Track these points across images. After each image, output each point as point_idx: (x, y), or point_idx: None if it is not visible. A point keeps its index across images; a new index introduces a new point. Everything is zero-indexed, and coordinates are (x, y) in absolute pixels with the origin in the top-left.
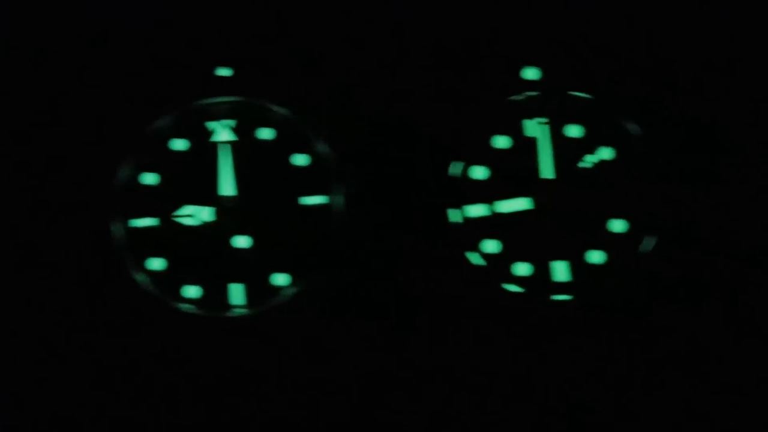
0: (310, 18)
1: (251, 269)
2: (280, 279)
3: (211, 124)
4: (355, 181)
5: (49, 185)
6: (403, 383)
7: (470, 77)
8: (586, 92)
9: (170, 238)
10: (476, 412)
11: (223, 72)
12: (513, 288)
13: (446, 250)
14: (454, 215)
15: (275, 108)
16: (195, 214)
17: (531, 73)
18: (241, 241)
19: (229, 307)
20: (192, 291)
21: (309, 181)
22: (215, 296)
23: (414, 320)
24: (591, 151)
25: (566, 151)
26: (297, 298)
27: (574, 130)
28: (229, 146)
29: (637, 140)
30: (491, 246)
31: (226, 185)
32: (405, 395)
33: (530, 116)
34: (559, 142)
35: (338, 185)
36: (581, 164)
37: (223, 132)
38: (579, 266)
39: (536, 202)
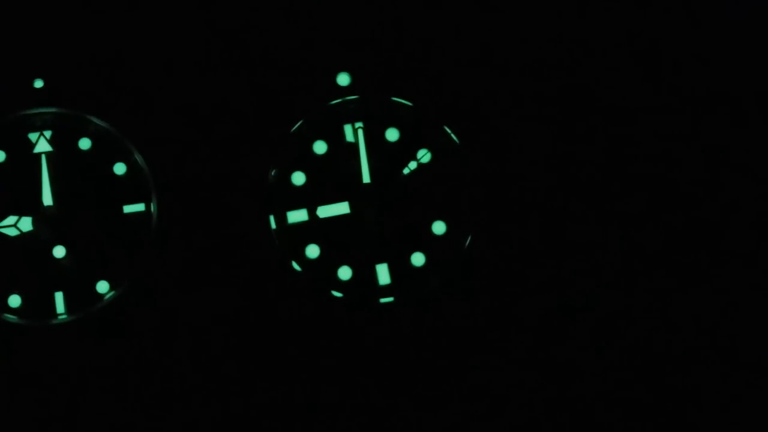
0: (133, 25)
1: (73, 277)
2: (102, 286)
3: (30, 135)
4: (172, 188)
5: None
6: (229, 387)
7: (288, 83)
8: (405, 98)
9: None
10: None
11: (39, 83)
12: (336, 293)
13: (270, 256)
14: (275, 221)
15: (91, 118)
16: (16, 225)
17: (344, 79)
18: (60, 251)
19: (53, 315)
20: (14, 300)
21: (127, 189)
22: (37, 305)
23: (235, 323)
24: (408, 156)
25: (384, 156)
26: (115, 303)
27: (391, 135)
28: (46, 156)
29: (454, 144)
30: (313, 251)
31: (46, 195)
32: (234, 398)
33: (348, 121)
34: (376, 146)
35: (155, 193)
36: (401, 169)
37: (41, 142)
38: (400, 269)
39: (354, 206)
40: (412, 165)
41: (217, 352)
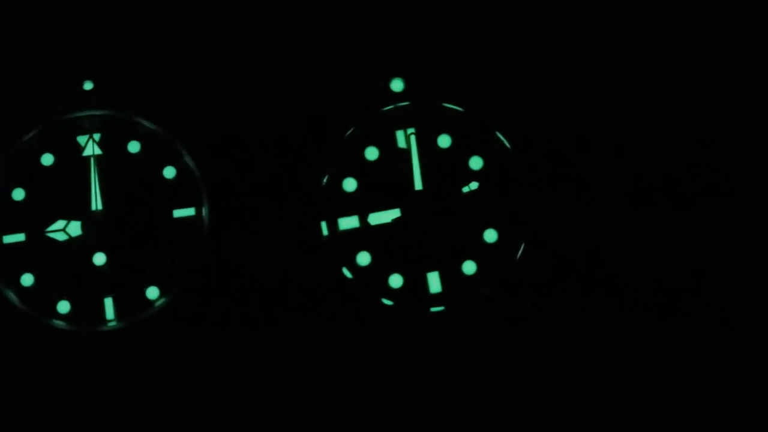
0: (182, 29)
1: (122, 283)
2: (152, 292)
3: (79, 138)
4: (223, 193)
5: None
6: (272, 390)
7: (341, 89)
8: (456, 104)
9: (38, 254)
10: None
11: (88, 85)
12: (387, 301)
13: (321, 263)
14: (326, 228)
15: (140, 121)
16: (65, 229)
17: (398, 85)
18: (101, 257)
19: (103, 321)
20: (63, 306)
21: (177, 193)
22: (87, 311)
23: (285, 331)
24: (460, 162)
25: (437, 162)
26: (166, 309)
27: (443, 141)
28: (95, 160)
29: (506, 151)
30: (364, 258)
31: (94, 199)
32: (277, 401)
33: (400, 127)
34: (428, 153)
35: (205, 197)
36: (454, 178)
37: (89, 146)
38: (451, 277)
39: (406, 212)
40: (472, 185)
41: (272, 360)
